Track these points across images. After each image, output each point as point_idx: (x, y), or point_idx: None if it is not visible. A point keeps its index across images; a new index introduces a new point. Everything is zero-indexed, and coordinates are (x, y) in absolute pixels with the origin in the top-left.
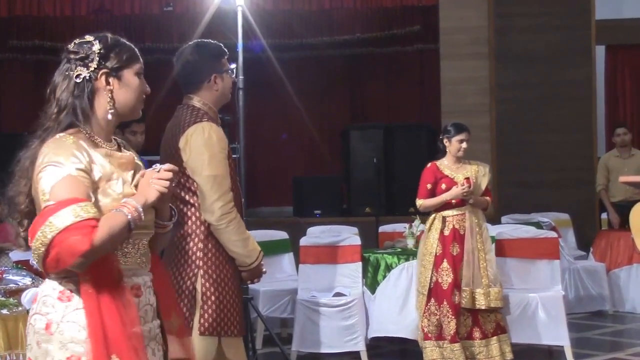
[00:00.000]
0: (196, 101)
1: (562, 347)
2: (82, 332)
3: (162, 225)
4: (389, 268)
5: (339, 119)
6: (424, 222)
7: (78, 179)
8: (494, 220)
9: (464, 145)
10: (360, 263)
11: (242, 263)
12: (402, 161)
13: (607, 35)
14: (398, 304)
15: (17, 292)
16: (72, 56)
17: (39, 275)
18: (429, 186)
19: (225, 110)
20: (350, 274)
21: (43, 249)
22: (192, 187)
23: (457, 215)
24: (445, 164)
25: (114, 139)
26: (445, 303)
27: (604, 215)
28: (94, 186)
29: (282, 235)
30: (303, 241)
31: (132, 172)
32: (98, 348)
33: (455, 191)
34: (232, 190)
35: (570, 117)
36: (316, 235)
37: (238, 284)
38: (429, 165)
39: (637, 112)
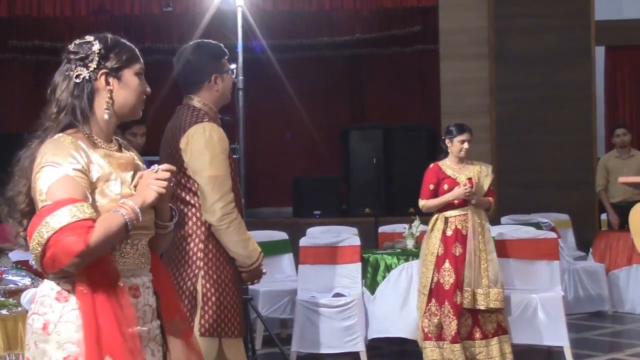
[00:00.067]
0: (196, 101)
1: (562, 347)
2: (79, 332)
3: (162, 225)
4: (388, 268)
5: (338, 119)
6: (424, 222)
7: (75, 179)
8: (494, 220)
9: (466, 145)
10: (359, 263)
11: (243, 264)
12: (402, 162)
13: (606, 36)
14: (398, 305)
15: (17, 292)
16: (72, 56)
17: (38, 275)
18: (431, 187)
19: (225, 110)
20: (349, 275)
21: (40, 249)
22: (193, 188)
23: (460, 215)
24: (448, 165)
25: (115, 139)
26: (446, 303)
27: (603, 216)
28: (92, 187)
29: (281, 235)
30: (302, 242)
31: (131, 172)
32: (91, 348)
33: (458, 191)
34: (232, 191)
35: (570, 117)
36: (316, 235)
37: (238, 285)
38: (431, 165)
39: (636, 113)
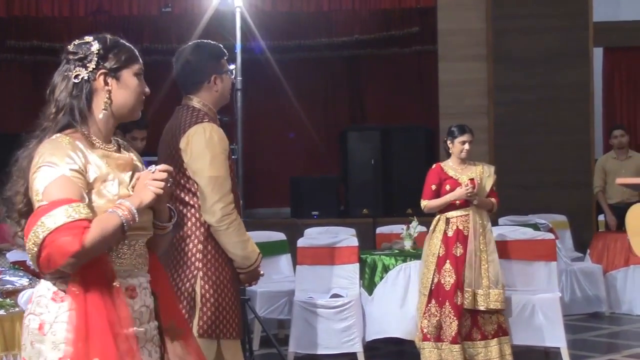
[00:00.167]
0: (196, 102)
1: (559, 348)
2: (71, 333)
3: (161, 226)
4: (386, 269)
5: (337, 120)
6: (421, 223)
7: (72, 179)
8: (492, 222)
9: (466, 146)
10: (357, 264)
11: (241, 265)
12: (400, 163)
13: (604, 37)
14: (395, 306)
15: (14, 293)
16: (71, 57)
17: (36, 276)
18: (433, 187)
19: (224, 111)
20: (347, 275)
21: (36, 249)
22: (192, 189)
23: (461, 216)
24: (450, 165)
25: (115, 139)
26: (447, 304)
27: (601, 217)
28: (89, 187)
29: (279, 236)
30: (300, 242)
31: (130, 173)
32: (76, 350)
33: (459, 192)
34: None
35: (568, 118)
36: (313, 236)
37: (237, 286)
38: (433, 166)
39: (634, 114)
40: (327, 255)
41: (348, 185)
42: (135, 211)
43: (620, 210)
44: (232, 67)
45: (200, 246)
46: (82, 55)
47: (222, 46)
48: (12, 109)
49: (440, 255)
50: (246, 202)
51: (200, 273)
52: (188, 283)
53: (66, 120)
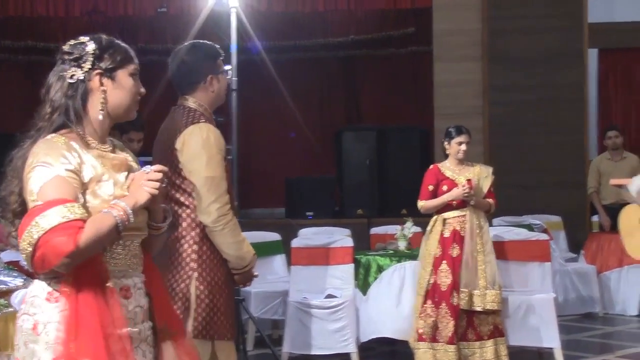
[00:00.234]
0: (191, 102)
1: (553, 349)
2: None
3: (155, 227)
4: (380, 270)
5: (332, 120)
6: (416, 223)
7: (67, 179)
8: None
9: (463, 147)
10: (352, 265)
11: (236, 266)
12: (395, 163)
13: (599, 39)
14: (390, 306)
15: (8, 293)
16: (66, 57)
17: (30, 276)
18: (430, 188)
19: (219, 111)
20: (341, 276)
21: (30, 249)
22: (188, 189)
23: (458, 217)
24: (447, 166)
25: (110, 140)
26: (444, 304)
27: (595, 218)
28: (84, 187)
29: (274, 236)
30: (295, 243)
31: (125, 173)
32: (67, 350)
33: (456, 192)
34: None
35: (563, 119)
36: (308, 236)
37: (231, 287)
38: (431, 167)
39: (628, 115)
40: (322, 256)
41: (343, 186)
42: (130, 211)
43: (614, 211)
44: (228, 67)
45: (195, 247)
46: (77, 56)
47: (218, 46)
48: (6, 109)
49: (437, 255)
50: (241, 202)
51: (196, 274)
52: (183, 284)
53: (61, 120)
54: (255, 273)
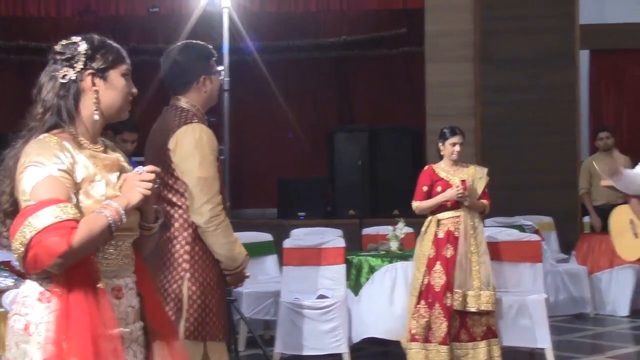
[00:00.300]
0: (184, 102)
1: (544, 349)
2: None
3: (147, 227)
4: (372, 270)
5: (325, 121)
6: (408, 224)
7: (59, 179)
8: None
9: (457, 148)
10: (343, 265)
11: (228, 266)
12: (387, 164)
13: (591, 40)
14: (381, 306)
15: None
16: (58, 57)
17: (21, 276)
18: (424, 188)
19: (210, 111)
20: (333, 276)
21: (22, 249)
22: (180, 189)
23: (452, 217)
24: (442, 167)
25: (101, 140)
26: (437, 305)
27: (586, 219)
28: (76, 187)
29: (266, 237)
30: (287, 243)
31: (117, 173)
32: (57, 350)
33: (450, 193)
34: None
35: (554, 120)
36: (300, 237)
37: (223, 288)
38: (425, 168)
39: (620, 116)
40: (314, 256)
41: (335, 186)
42: (122, 212)
43: (605, 212)
44: (221, 68)
45: (187, 247)
46: (69, 56)
47: (211, 47)
48: None
49: (431, 256)
50: (233, 202)
51: (188, 275)
52: (175, 284)
53: (53, 120)
54: (247, 274)
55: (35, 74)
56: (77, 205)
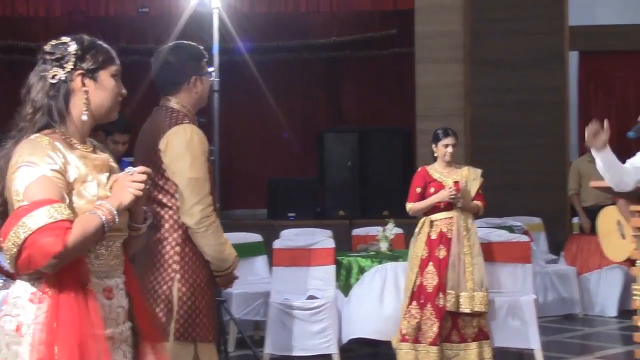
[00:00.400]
0: (174, 103)
1: (533, 350)
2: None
3: (135, 227)
4: (362, 271)
5: (314, 121)
6: (398, 225)
7: (52, 180)
8: None
9: (449, 149)
10: (333, 266)
11: (218, 268)
12: (377, 164)
13: (580, 41)
14: (371, 307)
15: None
16: (47, 57)
17: (9, 276)
18: (418, 190)
19: (200, 112)
20: (323, 277)
21: (15, 250)
22: (171, 190)
23: (445, 219)
24: (436, 169)
25: (89, 140)
26: (429, 306)
27: (575, 220)
28: (69, 187)
29: (255, 237)
30: (276, 244)
31: (107, 174)
32: (47, 351)
33: (443, 194)
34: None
35: (544, 121)
36: (290, 238)
37: (213, 289)
38: (419, 169)
39: (608, 118)
40: (303, 257)
41: (325, 187)
42: (115, 212)
43: (594, 213)
44: (211, 69)
45: (177, 248)
46: (59, 56)
47: (202, 47)
48: None
49: (424, 257)
50: (223, 203)
51: (178, 276)
52: (165, 286)
53: (44, 120)
54: (237, 274)
55: (25, 73)
56: (70, 206)
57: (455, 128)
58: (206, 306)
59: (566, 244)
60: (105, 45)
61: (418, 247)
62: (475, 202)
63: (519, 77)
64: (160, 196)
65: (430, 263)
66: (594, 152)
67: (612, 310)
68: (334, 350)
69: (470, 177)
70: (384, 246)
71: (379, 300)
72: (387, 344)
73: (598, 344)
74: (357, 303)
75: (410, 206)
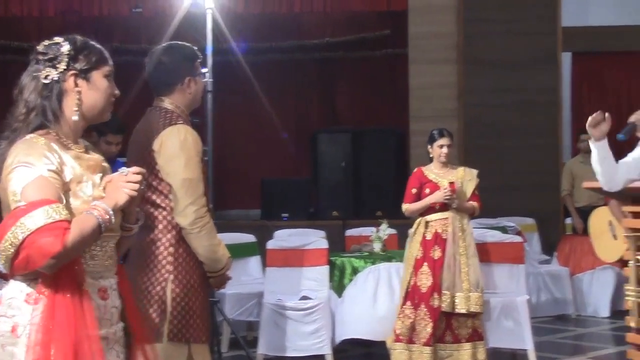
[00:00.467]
0: (168, 103)
1: (526, 350)
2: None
3: (127, 228)
4: (355, 271)
5: (308, 122)
6: (391, 226)
7: (49, 180)
8: None
9: (445, 150)
10: (327, 266)
11: (212, 268)
12: (371, 165)
13: (573, 42)
14: (365, 307)
15: None
16: (40, 57)
17: (2, 277)
18: (414, 191)
19: (194, 112)
20: (316, 278)
21: (12, 250)
22: (164, 191)
23: (440, 219)
24: (431, 169)
25: (81, 141)
26: (423, 306)
27: (568, 220)
28: (65, 188)
29: (249, 238)
30: (270, 244)
31: (100, 174)
32: (43, 351)
33: (438, 195)
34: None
35: (537, 122)
36: (283, 238)
37: (206, 290)
38: (415, 170)
39: None
40: (297, 257)
41: (318, 187)
42: (111, 212)
43: (587, 214)
44: (205, 69)
45: (171, 249)
46: (52, 56)
47: (196, 48)
48: None
49: (418, 257)
50: (216, 203)
51: (171, 276)
52: (159, 286)
53: (39, 121)
54: (230, 275)
55: (18, 73)
56: (67, 206)
57: (449, 129)
58: (200, 307)
59: (559, 244)
60: (98, 45)
61: (413, 248)
62: (470, 202)
63: (513, 78)
64: (153, 197)
65: (425, 263)
66: (591, 143)
67: (604, 311)
68: (327, 350)
69: (466, 178)
70: (377, 247)
71: (372, 300)
72: (381, 344)
73: (591, 344)
74: (350, 303)
75: (405, 207)
